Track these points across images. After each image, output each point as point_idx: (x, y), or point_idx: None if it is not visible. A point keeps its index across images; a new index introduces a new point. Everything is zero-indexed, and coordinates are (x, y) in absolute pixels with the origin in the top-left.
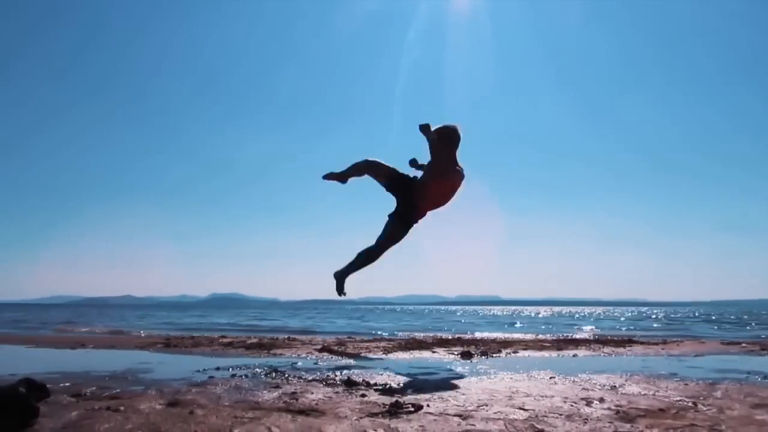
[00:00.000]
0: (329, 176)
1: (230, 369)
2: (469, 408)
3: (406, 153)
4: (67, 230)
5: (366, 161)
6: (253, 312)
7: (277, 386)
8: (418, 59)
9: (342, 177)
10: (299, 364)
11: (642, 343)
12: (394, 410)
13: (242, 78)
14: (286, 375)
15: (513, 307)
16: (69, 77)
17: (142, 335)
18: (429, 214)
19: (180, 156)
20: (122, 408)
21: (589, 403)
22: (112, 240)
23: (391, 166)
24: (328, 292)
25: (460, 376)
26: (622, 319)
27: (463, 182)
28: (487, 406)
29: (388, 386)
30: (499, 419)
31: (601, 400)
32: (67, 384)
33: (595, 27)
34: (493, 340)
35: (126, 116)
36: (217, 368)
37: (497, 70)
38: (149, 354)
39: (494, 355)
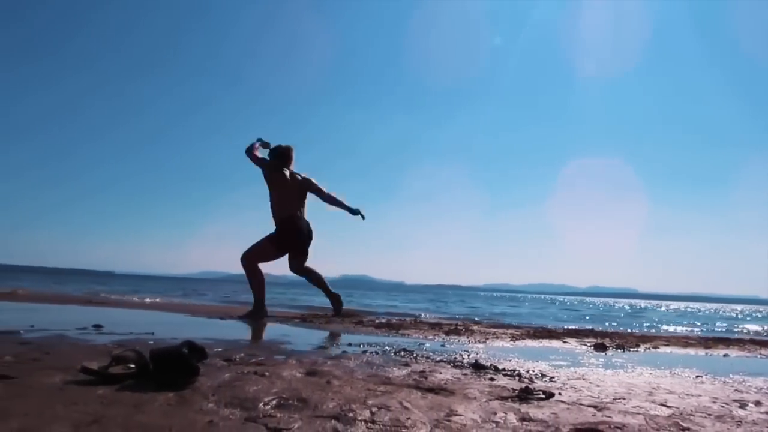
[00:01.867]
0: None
1: (361, 345)
2: (604, 400)
3: (530, 137)
4: (214, 211)
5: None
6: (379, 294)
7: (406, 364)
8: (547, 36)
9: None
10: (426, 345)
11: None
12: (524, 395)
13: (366, 64)
14: (414, 354)
15: (652, 301)
16: (207, 72)
17: (281, 311)
18: None
19: (309, 141)
20: (267, 374)
21: (742, 406)
22: (253, 220)
23: None
24: (453, 278)
25: (594, 368)
26: None
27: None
28: (624, 399)
29: (516, 372)
30: (639, 414)
31: (758, 403)
32: (219, 349)
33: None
34: (630, 334)
35: (260, 106)
36: (349, 344)
37: (641, 44)
38: (288, 327)
39: (631, 349)
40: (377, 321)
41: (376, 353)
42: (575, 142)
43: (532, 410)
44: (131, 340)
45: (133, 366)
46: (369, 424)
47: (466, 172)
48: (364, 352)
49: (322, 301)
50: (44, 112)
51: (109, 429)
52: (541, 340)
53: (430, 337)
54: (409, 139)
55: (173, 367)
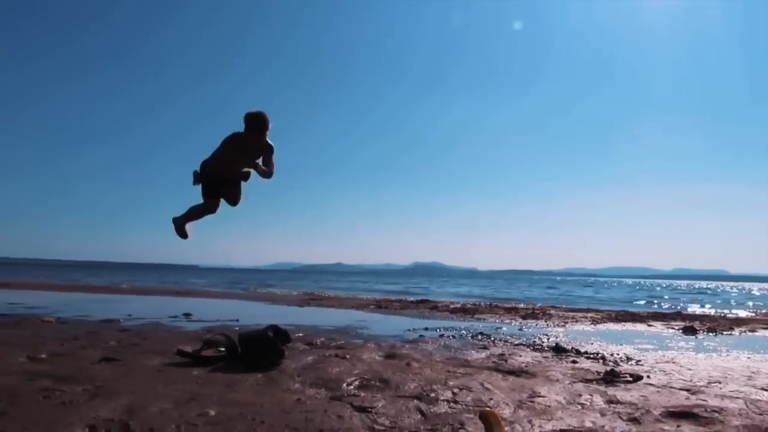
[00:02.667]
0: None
1: (438, 330)
2: (697, 383)
3: (593, 118)
4: (287, 205)
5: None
6: (451, 280)
7: (485, 347)
8: (614, 11)
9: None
10: (503, 329)
11: None
12: (610, 378)
13: (428, 51)
14: (492, 338)
15: (745, 283)
16: (273, 68)
17: (356, 297)
18: None
19: (376, 133)
20: (348, 356)
21: None
22: (326, 213)
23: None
24: (527, 263)
25: (684, 352)
26: None
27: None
28: (720, 383)
29: (600, 355)
30: (738, 398)
31: None
32: (300, 334)
33: None
34: (722, 317)
35: (326, 98)
36: (426, 328)
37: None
38: (364, 314)
39: (724, 332)
40: (452, 306)
41: (453, 337)
42: (653, 119)
43: (620, 393)
44: (219, 326)
45: (223, 349)
46: (452, 404)
47: (537, 153)
48: (441, 336)
49: (391, 289)
50: (123, 115)
51: (206, 405)
52: (624, 323)
53: (507, 321)
54: (476, 122)
55: (260, 350)
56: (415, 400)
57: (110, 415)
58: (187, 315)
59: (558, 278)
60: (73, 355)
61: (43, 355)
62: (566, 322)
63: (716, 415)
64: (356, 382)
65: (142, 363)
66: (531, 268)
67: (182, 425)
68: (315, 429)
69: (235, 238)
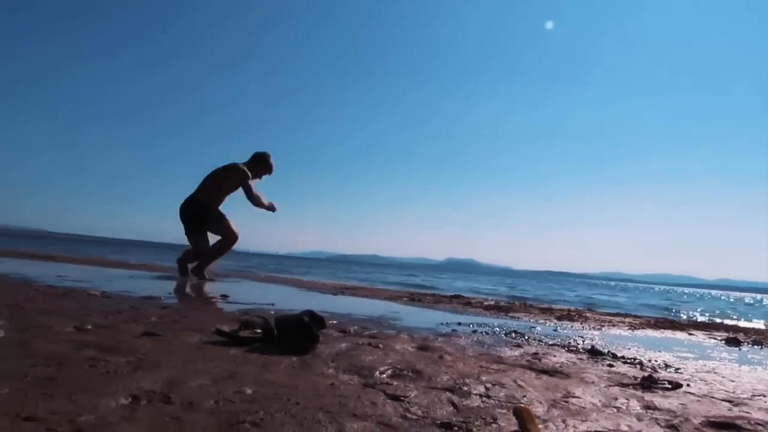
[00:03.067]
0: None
1: (471, 325)
2: (740, 395)
3: (635, 120)
4: (324, 193)
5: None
6: (486, 278)
7: (518, 345)
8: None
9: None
10: (538, 328)
11: None
12: (648, 384)
13: (464, 43)
14: (526, 336)
15: None
16: (303, 57)
17: (391, 289)
18: None
19: (402, 125)
20: (381, 346)
21: None
22: (365, 206)
23: None
24: (562, 264)
25: (726, 362)
26: None
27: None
28: (764, 396)
29: (637, 360)
30: None
31: None
32: (334, 321)
33: None
34: None
35: (359, 89)
36: (459, 323)
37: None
38: (397, 305)
39: None
40: (485, 303)
41: (487, 333)
42: (700, 124)
43: (657, 399)
44: (255, 309)
45: (259, 331)
46: (484, 399)
47: (579, 154)
48: (474, 331)
49: (415, 282)
50: (145, 97)
51: (243, 384)
52: (663, 330)
53: (541, 321)
54: (505, 118)
55: (296, 334)
56: (448, 393)
57: (152, 386)
58: (224, 296)
59: (592, 281)
60: (117, 328)
61: (89, 327)
62: (602, 326)
63: (760, 428)
64: (389, 371)
65: (182, 339)
66: (568, 270)
67: (220, 401)
68: (348, 413)
69: (273, 225)
